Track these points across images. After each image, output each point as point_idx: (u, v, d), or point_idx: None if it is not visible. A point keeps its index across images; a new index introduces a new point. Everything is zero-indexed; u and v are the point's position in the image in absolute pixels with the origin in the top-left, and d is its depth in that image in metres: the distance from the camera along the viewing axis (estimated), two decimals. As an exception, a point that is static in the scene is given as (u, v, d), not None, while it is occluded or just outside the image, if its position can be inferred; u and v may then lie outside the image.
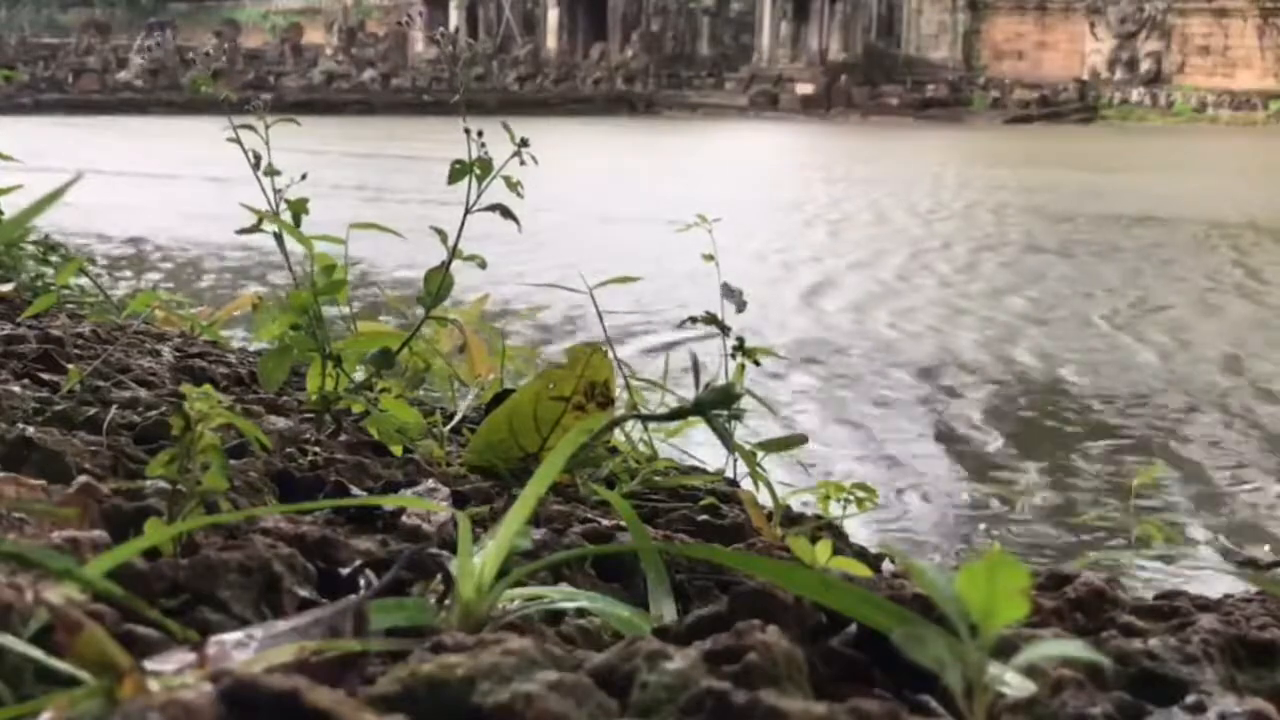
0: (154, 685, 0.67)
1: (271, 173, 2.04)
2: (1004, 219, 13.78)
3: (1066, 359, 6.69)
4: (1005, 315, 8.07)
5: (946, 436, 5.12)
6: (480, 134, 1.92)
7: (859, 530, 2.65)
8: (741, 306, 2.15)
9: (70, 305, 3.38)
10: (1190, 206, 15.25)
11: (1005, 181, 18.90)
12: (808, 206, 15.07)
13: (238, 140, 2.04)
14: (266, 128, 2.05)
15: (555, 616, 1.02)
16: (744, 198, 15.46)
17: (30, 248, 3.72)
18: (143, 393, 2.02)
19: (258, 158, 2.04)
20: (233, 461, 1.43)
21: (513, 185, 1.92)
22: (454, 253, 1.96)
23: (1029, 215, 14.16)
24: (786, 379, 6.07)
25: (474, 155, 1.94)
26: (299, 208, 2.01)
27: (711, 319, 2.14)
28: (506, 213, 1.94)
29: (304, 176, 2.07)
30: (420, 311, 2.01)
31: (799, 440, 1.47)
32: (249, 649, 0.75)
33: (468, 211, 1.96)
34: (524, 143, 1.91)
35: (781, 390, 5.79)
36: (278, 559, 0.98)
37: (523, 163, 1.89)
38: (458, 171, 1.94)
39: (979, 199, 16.11)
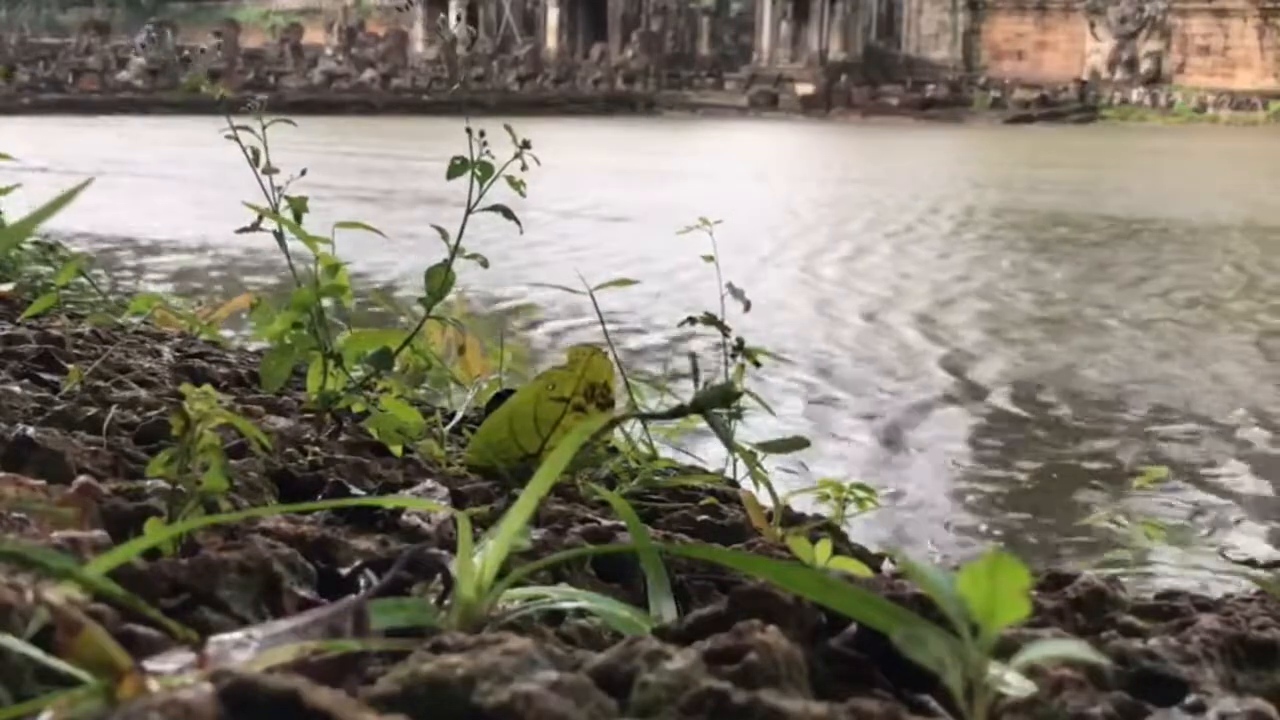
0: (154, 685, 0.67)
1: (270, 171, 2.04)
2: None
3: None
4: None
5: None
6: (483, 134, 1.91)
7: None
8: (746, 306, 2.16)
9: (70, 305, 3.38)
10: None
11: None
12: (802, 206, 15.08)
13: (236, 139, 2.04)
14: (264, 128, 2.05)
15: (555, 616, 1.02)
16: (748, 199, 15.46)
17: (30, 248, 3.72)
18: (143, 393, 2.02)
19: (256, 155, 2.04)
20: (233, 461, 1.43)
21: (516, 184, 1.91)
22: (455, 251, 1.96)
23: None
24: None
25: (474, 155, 1.93)
26: (300, 206, 2.01)
27: (711, 319, 2.14)
28: (508, 213, 1.94)
29: (304, 172, 2.07)
30: (412, 310, 2.01)
31: (800, 443, 1.47)
32: (249, 649, 0.75)
33: (469, 211, 1.96)
34: (525, 144, 1.91)
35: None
36: (278, 559, 0.98)
37: (524, 167, 1.89)
38: (456, 168, 1.94)
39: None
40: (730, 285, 2.20)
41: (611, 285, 2.26)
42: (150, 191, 15.70)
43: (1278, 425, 5.29)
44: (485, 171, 1.93)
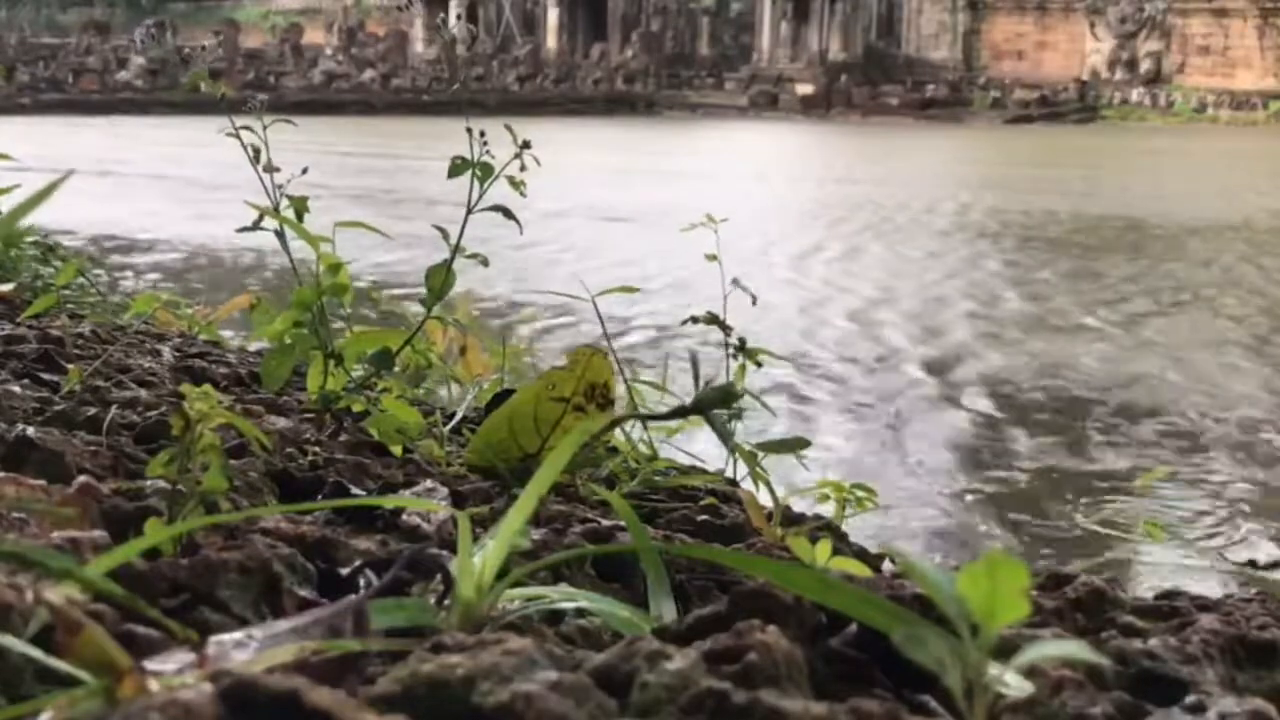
0: (154, 685, 0.67)
1: (271, 169, 2.04)
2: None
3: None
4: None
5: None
6: (483, 134, 1.91)
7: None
8: (754, 300, 2.17)
9: (70, 305, 3.38)
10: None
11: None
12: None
13: (238, 137, 2.04)
14: (265, 127, 2.05)
15: (555, 616, 1.02)
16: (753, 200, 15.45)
17: (30, 248, 3.72)
18: (143, 393, 2.02)
19: (257, 153, 2.04)
20: (233, 461, 1.43)
21: (516, 184, 1.91)
22: (456, 250, 1.96)
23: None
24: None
25: (474, 156, 1.93)
26: (301, 205, 2.01)
27: (713, 319, 2.14)
28: (508, 213, 1.94)
29: (304, 171, 2.07)
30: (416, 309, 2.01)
31: (800, 444, 1.46)
32: (249, 649, 0.75)
33: (469, 211, 1.96)
34: (526, 145, 1.91)
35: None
36: (278, 559, 0.98)
37: (523, 167, 1.89)
38: (456, 168, 1.94)
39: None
40: (736, 281, 2.21)
41: (614, 291, 2.26)
42: (149, 191, 15.70)
43: (1274, 424, 5.29)
44: (485, 172, 1.93)
